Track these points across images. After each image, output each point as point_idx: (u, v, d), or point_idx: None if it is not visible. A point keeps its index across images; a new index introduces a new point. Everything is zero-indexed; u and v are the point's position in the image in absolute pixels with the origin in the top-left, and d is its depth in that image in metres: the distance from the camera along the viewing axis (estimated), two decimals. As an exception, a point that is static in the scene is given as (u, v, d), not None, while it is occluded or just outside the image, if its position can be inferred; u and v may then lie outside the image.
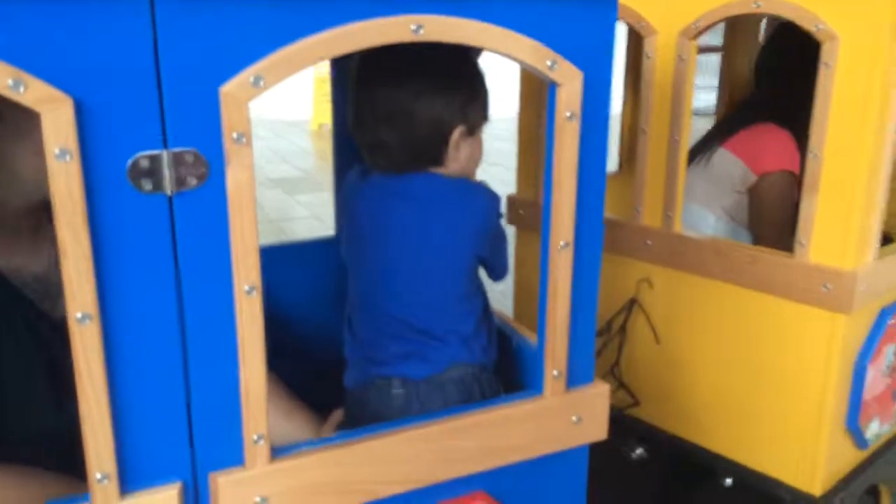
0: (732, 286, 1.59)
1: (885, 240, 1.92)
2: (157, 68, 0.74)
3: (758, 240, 1.94)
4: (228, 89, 0.77)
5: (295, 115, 6.90)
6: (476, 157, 1.22)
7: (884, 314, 1.56)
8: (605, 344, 1.83)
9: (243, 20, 0.76)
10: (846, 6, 1.34)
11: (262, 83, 0.78)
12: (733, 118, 2.00)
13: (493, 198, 1.21)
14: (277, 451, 0.91)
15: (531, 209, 1.91)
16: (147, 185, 0.76)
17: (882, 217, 1.47)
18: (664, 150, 1.65)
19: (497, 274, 1.27)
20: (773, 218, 1.92)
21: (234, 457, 0.88)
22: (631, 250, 1.75)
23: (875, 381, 1.59)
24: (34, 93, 0.69)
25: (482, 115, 1.20)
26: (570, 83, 0.94)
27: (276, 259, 1.45)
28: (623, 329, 1.81)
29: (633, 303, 1.78)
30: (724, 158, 1.91)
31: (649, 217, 1.71)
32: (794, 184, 1.88)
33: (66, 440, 0.86)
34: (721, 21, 1.60)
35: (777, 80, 1.99)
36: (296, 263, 1.52)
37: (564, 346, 1.05)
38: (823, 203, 1.44)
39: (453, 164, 1.18)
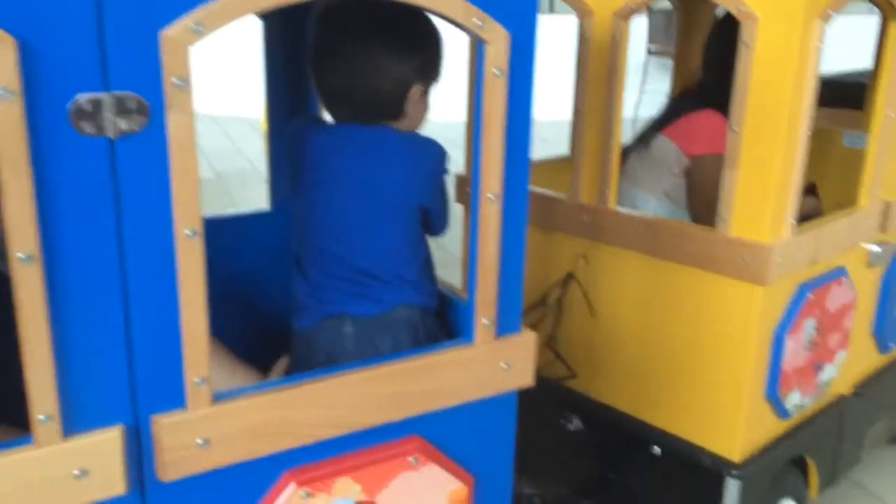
0: (661, 261, 1.65)
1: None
2: (98, 11, 0.75)
3: (695, 220, 1.99)
4: (169, 34, 0.79)
5: (245, 112, 6.78)
6: (424, 116, 1.29)
7: (803, 289, 1.63)
8: (541, 317, 1.90)
9: (184, -33, 0.78)
10: None
11: (202, 29, 0.80)
12: (675, 107, 2.06)
13: (442, 152, 1.28)
14: (219, 395, 0.93)
15: None
16: (89, 128, 0.78)
17: (798, 194, 1.53)
18: (599, 129, 1.70)
19: (438, 226, 1.33)
20: (707, 198, 1.99)
21: (175, 399, 0.90)
22: (569, 227, 1.81)
23: (794, 353, 1.66)
24: (-25, 31, 0.70)
25: (437, 77, 1.28)
26: (497, 42, 0.99)
27: (218, 231, 1.48)
28: (559, 303, 1.86)
29: (569, 277, 1.84)
30: (662, 143, 1.97)
31: (586, 195, 1.76)
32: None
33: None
34: (650, 1, 1.65)
35: (718, 68, 2.05)
36: (236, 236, 1.54)
37: (493, 296, 1.11)
38: (743, 179, 1.50)
39: (406, 120, 1.25)
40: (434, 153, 1.28)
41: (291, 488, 1.00)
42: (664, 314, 1.69)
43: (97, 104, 0.77)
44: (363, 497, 1.06)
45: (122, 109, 0.79)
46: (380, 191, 1.24)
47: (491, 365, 1.13)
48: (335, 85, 1.24)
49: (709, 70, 2.08)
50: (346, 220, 1.25)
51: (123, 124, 0.79)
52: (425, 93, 1.27)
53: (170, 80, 0.80)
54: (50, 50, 0.74)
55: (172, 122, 0.81)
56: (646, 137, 2.02)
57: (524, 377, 1.17)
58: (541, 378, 1.87)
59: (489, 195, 1.06)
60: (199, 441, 0.92)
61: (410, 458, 1.09)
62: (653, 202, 1.94)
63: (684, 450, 1.69)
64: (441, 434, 1.12)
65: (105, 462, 0.86)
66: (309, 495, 1.01)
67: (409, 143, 1.27)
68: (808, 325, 1.67)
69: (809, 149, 1.53)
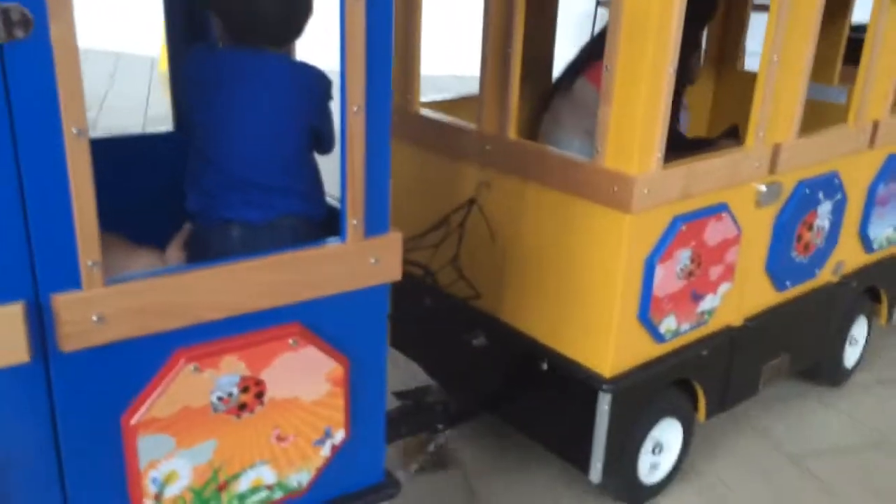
0: (548, 188, 1.78)
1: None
2: (-18, -71, 0.86)
3: None
4: (49, -48, 0.90)
5: (140, 50, 6.65)
6: None
7: (676, 221, 1.75)
8: (443, 238, 2.03)
9: None
10: None
11: (79, -52, 0.92)
12: (592, 48, 2.09)
13: (328, 80, 1.43)
14: (113, 279, 1.07)
15: (406, 118, 2.06)
16: (-22, 35, 0.89)
17: (664, 128, 1.61)
18: (500, 64, 1.81)
19: (326, 145, 1.49)
20: None
21: (72, 280, 1.03)
22: (474, 156, 1.93)
23: (667, 280, 1.78)
24: None
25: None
26: (354, -32, 1.13)
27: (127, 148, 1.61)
28: (462, 226, 2.00)
29: (471, 202, 1.97)
30: (583, 85, 2.03)
31: (488, 125, 1.88)
32: None
33: None
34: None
35: None
36: (144, 153, 1.66)
37: (361, 200, 1.26)
38: (614, 114, 1.61)
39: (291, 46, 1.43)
40: (321, 80, 1.43)
41: (181, 363, 1.14)
42: (551, 239, 1.82)
43: (-15, 13, 0.88)
44: (248, 373, 1.21)
45: (7, 20, 0.90)
46: (270, 110, 1.38)
47: (361, 260, 1.29)
48: (237, 11, 1.37)
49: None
50: (237, 136, 1.39)
51: (10, 32, 0.90)
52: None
53: (51, -7, 0.91)
54: (-61, -37, 0.84)
55: (55, 31, 0.93)
56: (567, 79, 2.09)
57: (391, 272, 1.33)
58: (448, 296, 2.05)
59: (354, 108, 1.20)
60: (94, 317, 1.05)
61: (290, 340, 1.24)
62: (576, 142, 2.01)
63: (565, 365, 1.84)
64: (319, 321, 1.28)
65: (9, 332, 0.99)
66: (198, 370, 1.16)
67: (298, 69, 1.42)
68: (683, 255, 1.80)
69: (733, 92, 1.63)
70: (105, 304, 1.06)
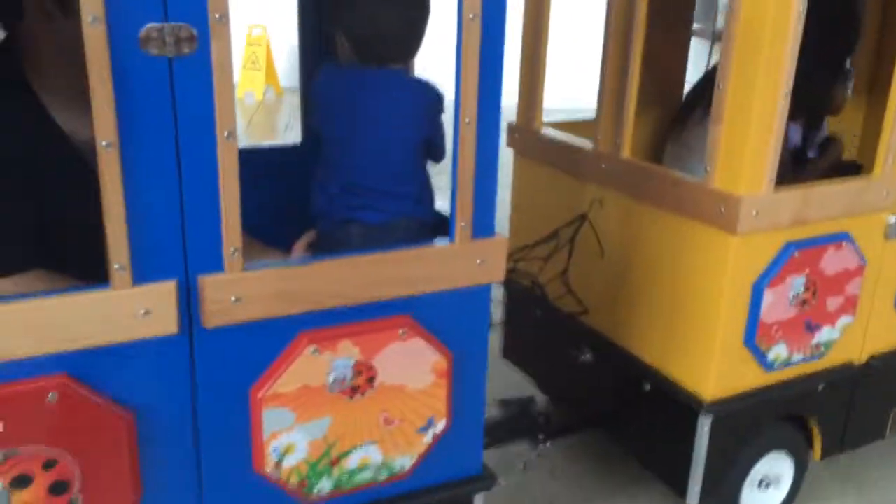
0: (660, 209, 1.81)
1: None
2: (162, -38, 1.02)
3: None
4: (213, -20, 1.06)
5: None
6: None
7: (789, 246, 1.73)
8: (553, 251, 2.10)
9: (224, -71, 1.05)
10: None
11: (238, -23, 1.07)
12: None
13: (441, 95, 1.57)
14: (250, 266, 1.21)
15: (528, 135, 2.18)
16: (153, 50, 1.05)
17: (776, 151, 1.61)
18: (617, 87, 1.87)
19: (438, 155, 1.62)
20: None
21: (216, 264, 1.18)
22: (590, 173, 2.00)
23: (777, 306, 1.76)
24: (76, -26, 0.97)
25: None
26: (471, -9, 1.24)
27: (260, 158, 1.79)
28: (573, 241, 2.06)
29: (583, 218, 2.03)
30: None
31: (604, 144, 1.95)
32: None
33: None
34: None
35: None
36: (275, 162, 1.83)
37: (470, 203, 1.36)
38: (725, 134, 1.63)
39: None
40: (435, 96, 1.56)
41: (303, 344, 1.27)
42: (659, 258, 1.85)
43: (160, 31, 1.04)
44: (361, 358, 1.33)
45: (177, 37, 1.06)
46: (390, 123, 1.53)
47: (467, 260, 1.39)
48: (362, 32, 1.51)
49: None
50: (360, 146, 1.54)
51: (178, 48, 1.06)
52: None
53: (213, 15, 1.07)
54: (127, -10, 1.01)
55: (215, 48, 1.08)
56: (703, 106, 2.03)
57: (495, 272, 1.42)
58: (557, 310, 2.11)
59: (466, 119, 1.31)
60: (233, 298, 1.19)
61: (400, 331, 1.35)
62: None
63: (668, 386, 1.84)
64: (426, 315, 1.38)
65: (163, 306, 1.14)
66: (317, 351, 1.29)
67: (416, 85, 1.57)
68: (795, 283, 1.77)
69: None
70: (243, 286, 1.20)
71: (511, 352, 2.35)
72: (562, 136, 2.13)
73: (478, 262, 1.40)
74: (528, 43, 2.14)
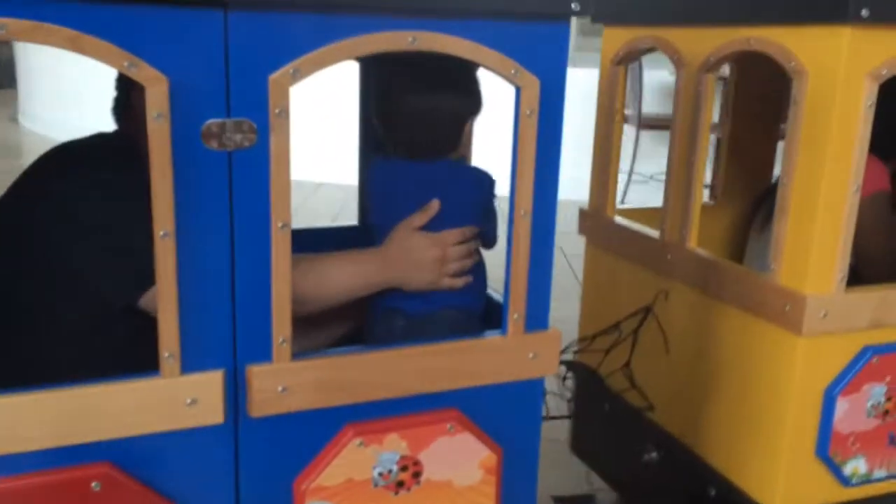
0: (721, 302, 1.75)
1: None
2: (226, 61, 1.05)
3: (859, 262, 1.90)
4: (275, 77, 1.08)
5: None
6: (469, 145, 1.59)
7: (867, 351, 1.63)
8: (614, 343, 2.03)
9: (287, 30, 1.08)
10: (813, 43, 1.46)
11: (298, 75, 1.09)
12: None
13: (491, 181, 1.55)
14: (298, 355, 1.20)
15: (598, 222, 2.15)
16: (214, 144, 1.07)
17: (846, 249, 1.53)
18: (682, 176, 1.85)
19: (489, 242, 1.59)
20: (868, 242, 1.86)
21: (264, 354, 1.17)
22: (655, 264, 1.95)
23: (853, 416, 1.65)
24: (142, 72, 1.01)
25: (479, 112, 1.56)
26: (529, 87, 1.24)
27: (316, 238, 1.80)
28: (636, 333, 1.98)
29: (647, 311, 1.97)
30: None
31: (670, 233, 1.90)
32: (889, 201, 1.85)
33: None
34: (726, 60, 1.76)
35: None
36: (331, 242, 1.84)
37: (523, 296, 1.34)
38: (791, 229, 1.57)
39: (461, 149, 1.55)
40: (485, 182, 1.54)
41: (349, 436, 1.25)
42: (724, 356, 1.77)
43: (221, 127, 1.07)
44: (407, 452, 1.30)
45: (238, 131, 1.08)
46: (442, 215, 1.50)
47: (520, 353, 1.36)
48: (398, 131, 1.52)
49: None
50: None
51: (239, 142, 1.08)
52: (472, 126, 1.56)
53: (274, 110, 1.09)
54: (189, 87, 1.04)
55: (274, 141, 1.10)
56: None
57: (549, 366, 1.39)
58: (623, 404, 2.03)
59: (521, 212, 1.30)
60: (280, 388, 1.18)
61: (448, 425, 1.32)
62: None
63: (733, 495, 1.73)
64: (476, 408, 1.35)
65: (210, 395, 1.14)
66: (363, 444, 1.26)
67: (464, 174, 1.55)
68: (875, 392, 1.66)
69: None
70: (290, 376, 1.19)
71: (579, 445, 2.27)
72: (630, 225, 2.09)
73: (530, 355, 1.36)
74: (601, 129, 2.15)
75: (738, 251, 2.17)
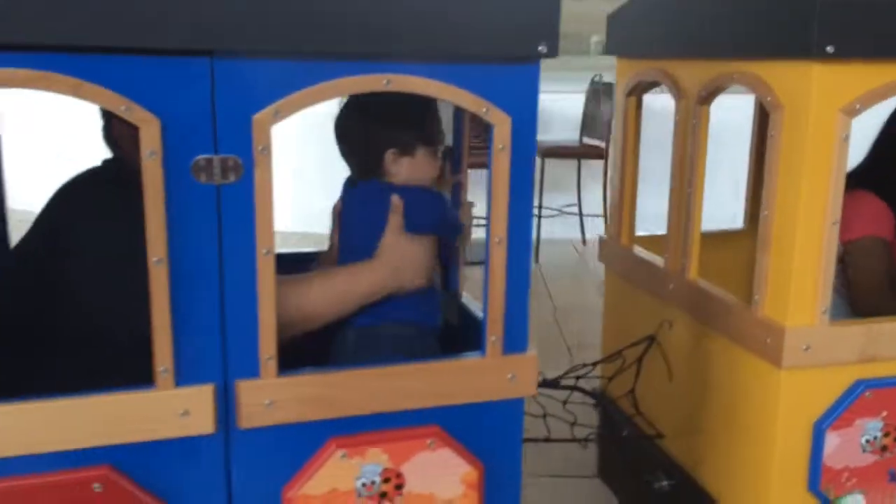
0: (718, 334, 1.78)
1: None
2: (213, 103, 1.17)
3: (854, 310, 1.90)
4: (258, 117, 1.19)
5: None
6: (421, 173, 1.62)
7: (859, 384, 1.61)
8: (618, 370, 2.07)
9: (269, 75, 1.19)
10: (786, 78, 1.51)
11: (280, 115, 1.20)
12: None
13: (440, 198, 1.64)
14: (283, 371, 1.30)
15: (614, 250, 2.22)
16: (203, 178, 1.19)
17: (826, 281, 1.54)
18: (681, 200, 1.89)
19: (451, 239, 1.72)
20: (859, 283, 1.88)
21: (252, 370, 1.28)
22: (660, 292, 1.99)
23: (845, 451, 1.63)
24: (136, 114, 1.13)
25: (415, 142, 1.61)
26: (501, 125, 1.33)
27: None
28: (640, 361, 2.02)
29: (651, 339, 2.02)
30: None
31: (673, 262, 1.94)
32: (884, 247, 1.86)
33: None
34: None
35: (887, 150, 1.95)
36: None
37: (500, 319, 1.41)
38: (773, 260, 1.59)
39: (395, 177, 1.62)
40: (431, 201, 1.62)
41: (332, 449, 1.34)
42: (717, 386, 1.81)
43: (209, 162, 1.18)
44: (389, 465, 1.38)
45: (225, 166, 1.19)
46: (377, 232, 1.57)
47: (498, 374, 1.43)
48: (343, 151, 1.66)
49: (882, 153, 1.99)
50: (354, 254, 1.59)
51: (226, 176, 1.19)
52: (405, 154, 1.60)
53: (258, 148, 1.20)
54: (180, 127, 1.16)
55: (258, 176, 1.21)
56: None
57: (527, 388, 1.45)
58: (637, 432, 2.05)
59: (496, 239, 1.38)
60: (266, 402, 1.28)
61: (428, 441, 1.40)
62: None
63: None
64: (456, 426, 1.42)
65: (202, 407, 1.24)
66: (346, 456, 1.35)
67: (408, 194, 1.58)
68: (869, 427, 1.65)
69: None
70: (276, 391, 1.29)
71: (605, 472, 2.30)
72: (640, 254, 2.14)
73: (508, 376, 1.44)
74: (618, 157, 2.21)
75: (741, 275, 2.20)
